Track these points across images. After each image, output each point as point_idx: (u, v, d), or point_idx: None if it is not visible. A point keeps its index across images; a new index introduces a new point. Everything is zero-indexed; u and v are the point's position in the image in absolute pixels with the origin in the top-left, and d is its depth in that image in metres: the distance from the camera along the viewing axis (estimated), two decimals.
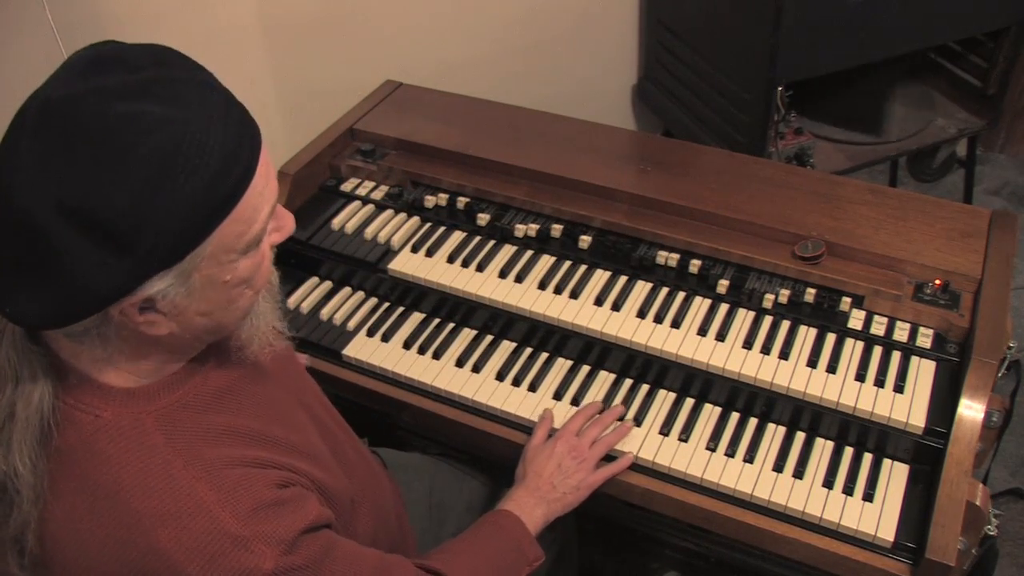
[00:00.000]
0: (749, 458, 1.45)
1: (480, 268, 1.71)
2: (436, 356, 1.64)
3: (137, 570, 0.92)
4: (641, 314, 1.61)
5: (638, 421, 1.52)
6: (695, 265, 1.66)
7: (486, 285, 1.68)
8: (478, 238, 1.78)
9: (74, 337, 0.93)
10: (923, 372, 1.49)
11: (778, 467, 1.44)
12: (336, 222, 1.83)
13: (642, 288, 1.66)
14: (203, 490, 0.95)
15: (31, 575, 0.98)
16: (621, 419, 1.52)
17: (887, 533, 1.34)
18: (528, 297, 1.65)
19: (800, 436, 1.49)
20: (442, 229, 1.80)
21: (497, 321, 1.67)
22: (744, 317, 1.59)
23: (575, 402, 1.55)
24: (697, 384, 1.55)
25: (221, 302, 0.96)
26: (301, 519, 1.01)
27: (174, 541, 0.92)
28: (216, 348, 1.07)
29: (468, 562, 1.28)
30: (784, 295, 1.59)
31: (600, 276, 1.68)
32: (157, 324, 0.92)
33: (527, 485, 1.43)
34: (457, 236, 1.79)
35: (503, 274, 1.69)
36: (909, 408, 1.43)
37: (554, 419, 1.52)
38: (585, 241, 1.73)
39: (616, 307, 1.62)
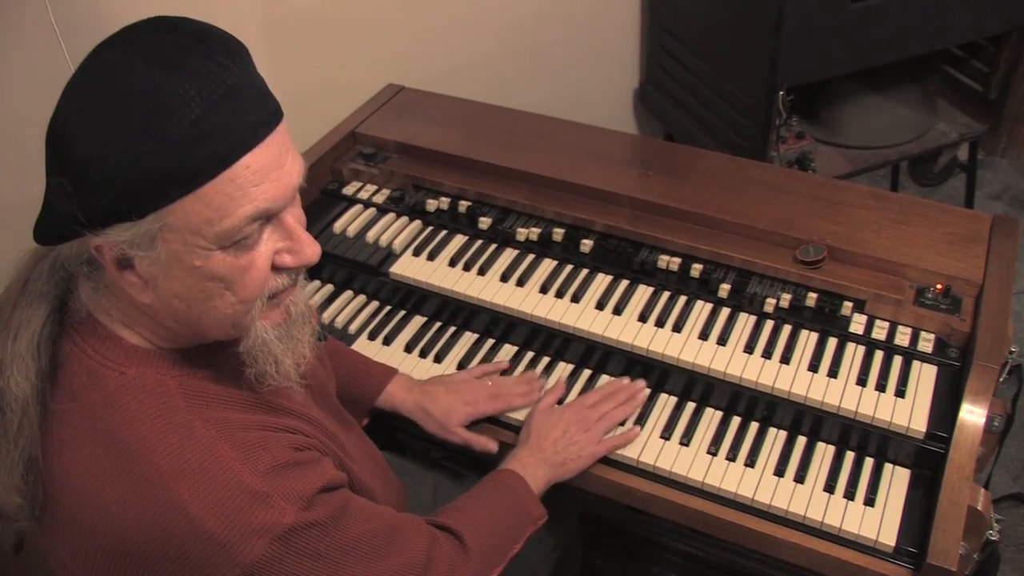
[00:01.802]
0: (750, 462, 1.45)
1: (482, 272, 1.71)
2: (438, 360, 1.64)
3: (157, 525, 0.93)
4: (643, 318, 1.61)
5: (639, 425, 1.51)
6: (696, 269, 1.66)
7: (488, 289, 1.68)
8: (480, 242, 1.78)
9: (88, 279, 0.98)
10: (924, 377, 1.49)
11: (779, 471, 1.44)
12: (338, 226, 1.83)
13: (643, 292, 1.66)
14: (223, 448, 0.97)
15: (36, 522, 1.00)
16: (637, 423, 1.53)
17: (888, 538, 1.34)
18: (529, 301, 1.65)
19: (801, 440, 1.49)
20: (444, 233, 1.80)
21: (499, 325, 1.67)
22: (745, 321, 1.59)
23: None
24: (698, 388, 1.55)
25: (196, 292, 0.95)
26: (318, 478, 1.03)
27: (194, 497, 0.93)
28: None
29: (476, 519, 1.29)
30: (785, 299, 1.59)
31: (601, 280, 1.68)
32: (137, 287, 0.95)
33: (531, 446, 1.45)
34: (459, 240, 1.79)
35: (504, 278, 1.69)
36: (910, 413, 1.43)
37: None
38: (587, 245, 1.73)
39: (617, 311, 1.62)
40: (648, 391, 1.55)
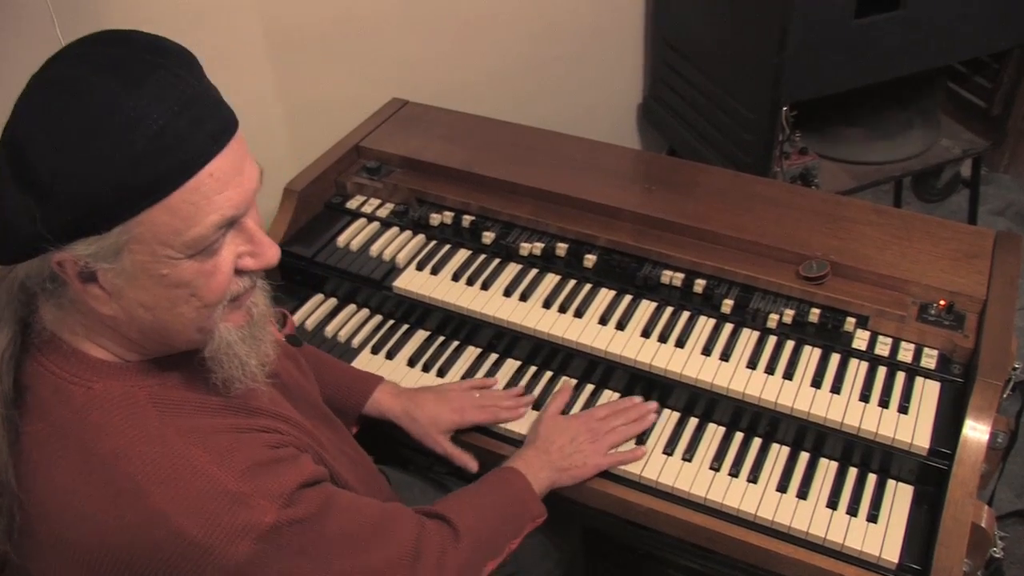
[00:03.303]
0: (753, 478, 1.45)
1: (485, 286, 1.71)
2: (440, 374, 1.65)
3: (139, 535, 0.93)
4: (645, 333, 1.61)
5: (642, 440, 1.51)
6: (700, 285, 1.66)
7: (491, 303, 1.68)
8: (483, 256, 1.78)
9: (49, 297, 0.97)
10: (927, 393, 1.49)
11: (782, 487, 1.44)
12: (341, 239, 1.83)
13: (647, 307, 1.66)
14: (197, 453, 0.96)
15: (14, 547, 0.99)
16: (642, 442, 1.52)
17: (891, 555, 1.34)
18: (533, 315, 1.65)
19: (804, 456, 1.49)
20: (447, 247, 1.81)
21: (502, 339, 1.67)
22: (748, 337, 1.59)
23: None
24: (701, 404, 1.55)
25: (161, 300, 0.95)
26: (297, 474, 1.03)
27: (173, 503, 0.93)
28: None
29: (470, 507, 1.29)
30: (788, 315, 1.59)
31: (605, 295, 1.69)
32: (100, 300, 0.94)
33: (537, 447, 1.45)
34: (462, 254, 1.79)
35: (508, 292, 1.69)
36: (913, 429, 1.43)
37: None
38: (590, 260, 1.73)
39: (620, 326, 1.62)
40: (657, 415, 1.55)
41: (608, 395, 1.60)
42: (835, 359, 1.55)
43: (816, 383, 1.51)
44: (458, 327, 1.71)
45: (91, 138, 0.85)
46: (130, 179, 0.87)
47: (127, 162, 0.86)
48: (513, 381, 1.63)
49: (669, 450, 1.50)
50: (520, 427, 1.55)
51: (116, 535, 0.94)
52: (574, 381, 1.62)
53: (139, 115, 0.86)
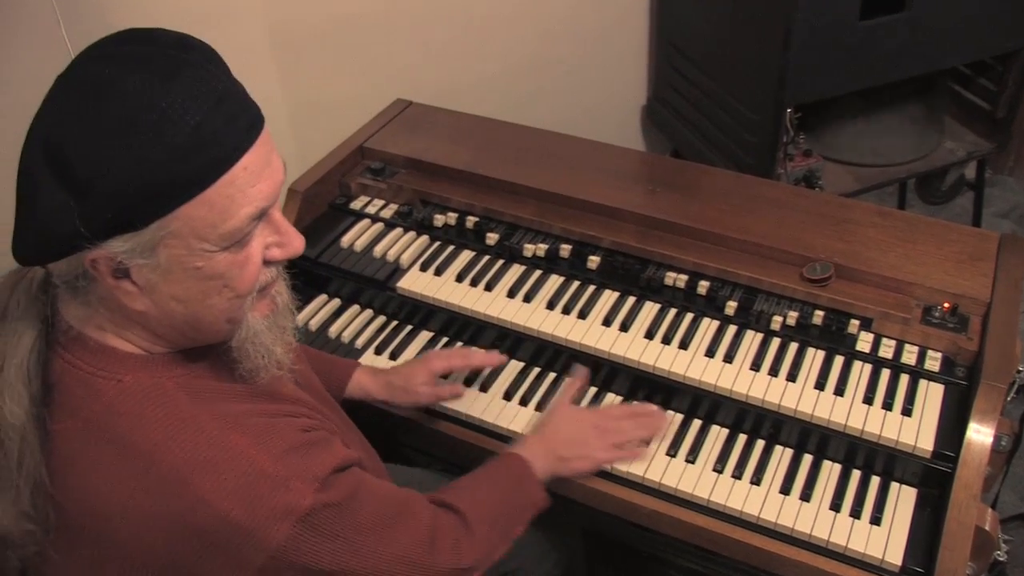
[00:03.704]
0: (756, 480, 1.45)
1: (489, 288, 1.71)
2: (444, 375, 1.64)
3: (184, 522, 0.94)
4: (649, 335, 1.61)
5: (645, 442, 1.51)
6: (703, 286, 1.66)
7: (494, 304, 1.68)
8: (487, 257, 1.78)
9: (75, 294, 0.98)
10: (931, 395, 1.49)
11: (785, 489, 1.44)
12: (345, 240, 1.83)
13: (650, 309, 1.66)
14: (234, 436, 0.98)
15: (52, 544, 0.99)
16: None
17: (895, 557, 1.33)
18: (536, 317, 1.65)
19: (807, 458, 1.49)
20: (451, 248, 1.81)
21: (505, 341, 1.68)
22: (752, 339, 1.59)
23: None
24: (705, 405, 1.55)
25: (195, 292, 0.97)
26: (332, 458, 1.04)
27: (215, 487, 0.94)
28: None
29: (478, 498, 1.29)
30: (792, 317, 1.59)
31: (608, 296, 1.69)
32: (132, 296, 0.95)
33: (542, 435, 1.45)
34: (466, 255, 1.79)
35: (511, 294, 1.70)
36: (917, 431, 1.43)
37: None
38: (594, 261, 1.73)
39: (624, 328, 1.62)
40: (670, 423, 1.55)
41: (612, 397, 1.60)
42: (839, 361, 1.55)
43: (820, 385, 1.51)
44: (462, 328, 1.71)
45: (130, 135, 0.86)
46: (169, 175, 0.88)
47: (166, 158, 0.87)
48: (516, 382, 1.63)
49: (672, 452, 1.50)
50: (513, 424, 1.55)
51: (161, 524, 0.95)
52: (586, 370, 1.61)
53: (176, 111, 0.88)
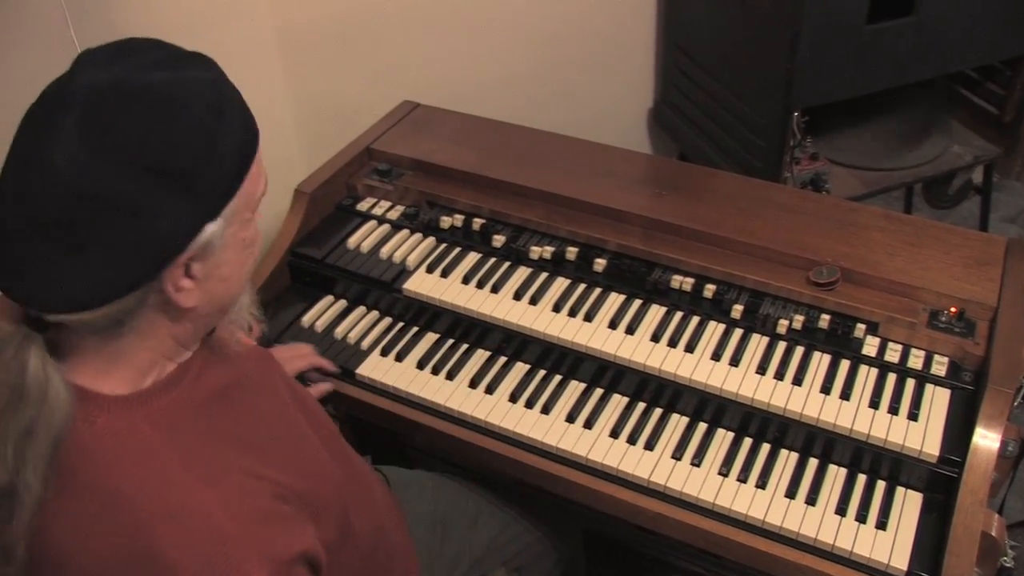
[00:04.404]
0: (762, 484, 1.45)
1: (495, 289, 1.71)
2: (449, 377, 1.65)
3: (137, 570, 0.92)
4: (655, 338, 1.61)
5: (650, 445, 1.51)
6: (709, 290, 1.66)
7: (500, 306, 1.68)
8: (493, 259, 1.78)
9: (93, 331, 0.95)
10: (938, 400, 1.48)
11: (790, 493, 1.43)
12: (352, 241, 1.84)
13: (656, 312, 1.66)
14: (203, 491, 0.96)
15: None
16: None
17: (900, 562, 1.33)
18: (542, 319, 1.65)
19: (813, 462, 1.49)
20: (457, 250, 1.81)
21: (511, 343, 1.68)
22: (758, 342, 1.59)
23: (588, 425, 1.55)
24: (710, 409, 1.55)
25: (237, 265, 1.01)
26: (297, 543, 1.01)
27: (173, 542, 0.92)
28: (202, 353, 1.08)
29: None
30: (798, 321, 1.59)
31: (614, 299, 1.69)
32: (188, 293, 0.96)
33: None
34: (472, 257, 1.79)
35: (518, 296, 1.70)
36: (923, 436, 1.43)
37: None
38: (600, 264, 1.73)
39: (630, 330, 1.62)
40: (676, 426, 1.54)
41: (617, 400, 1.60)
42: (845, 365, 1.55)
43: (825, 389, 1.50)
44: (468, 330, 1.71)
45: (216, 119, 0.92)
46: (246, 147, 0.96)
47: (242, 131, 0.96)
48: (522, 384, 1.63)
49: (678, 455, 1.50)
50: (518, 426, 1.55)
51: (114, 568, 0.93)
52: (582, 386, 1.61)
53: (229, 90, 0.96)
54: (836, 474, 1.47)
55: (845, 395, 1.49)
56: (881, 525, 1.38)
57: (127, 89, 0.89)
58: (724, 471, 1.47)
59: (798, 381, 1.52)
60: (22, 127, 0.91)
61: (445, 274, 1.75)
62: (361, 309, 1.80)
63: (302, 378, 1.61)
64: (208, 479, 0.97)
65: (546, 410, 1.58)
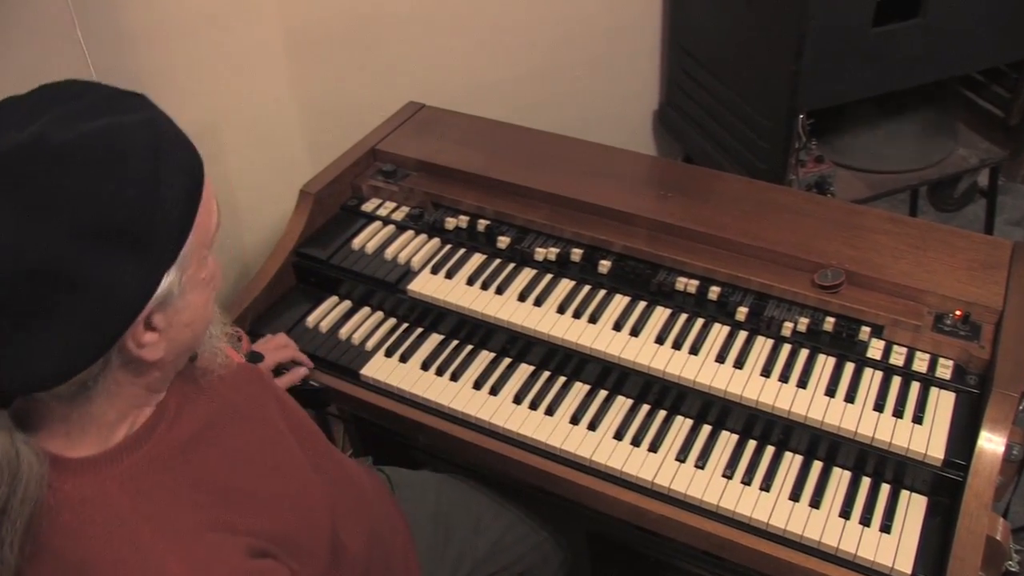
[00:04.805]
0: (766, 486, 1.45)
1: (499, 291, 1.71)
2: (454, 378, 1.65)
3: None
4: (659, 340, 1.60)
5: (655, 447, 1.51)
6: (714, 292, 1.66)
7: (505, 308, 1.68)
8: (498, 261, 1.78)
9: (59, 400, 0.91)
10: (942, 403, 1.48)
11: (794, 496, 1.43)
12: (357, 242, 1.84)
13: (661, 314, 1.66)
14: (172, 564, 0.92)
15: None
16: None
17: (904, 565, 1.33)
18: (547, 321, 1.65)
19: (817, 465, 1.48)
20: (462, 251, 1.81)
21: (515, 344, 1.68)
22: (763, 345, 1.59)
23: (592, 427, 1.55)
24: (714, 411, 1.55)
25: (199, 306, 0.97)
26: None
27: None
28: (181, 389, 1.05)
29: None
30: (803, 323, 1.59)
31: (619, 301, 1.69)
32: (153, 347, 0.93)
33: None
34: (477, 258, 1.79)
35: (522, 297, 1.70)
36: (928, 439, 1.42)
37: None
38: (604, 266, 1.73)
39: (635, 333, 1.62)
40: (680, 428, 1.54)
41: (621, 401, 1.60)
42: (849, 368, 1.54)
43: (830, 392, 1.50)
44: (472, 331, 1.71)
45: (159, 167, 0.86)
46: (191, 185, 0.90)
47: (186, 173, 0.90)
48: (526, 386, 1.63)
49: (682, 457, 1.50)
50: (522, 428, 1.55)
51: None
52: (586, 388, 1.60)
53: (171, 130, 0.91)
54: (840, 477, 1.47)
55: (850, 398, 1.49)
56: (885, 528, 1.38)
57: (51, 148, 0.82)
58: (728, 473, 1.47)
59: (803, 384, 1.52)
60: None
61: (450, 275, 1.75)
62: (366, 310, 1.80)
63: (279, 370, 1.61)
64: (177, 546, 0.93)
65: (550, 412, 1.58)
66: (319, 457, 1.24)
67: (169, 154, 0.88)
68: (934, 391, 1.50)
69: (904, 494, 1.44)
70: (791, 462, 1.49)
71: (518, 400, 1.60)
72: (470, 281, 1.74)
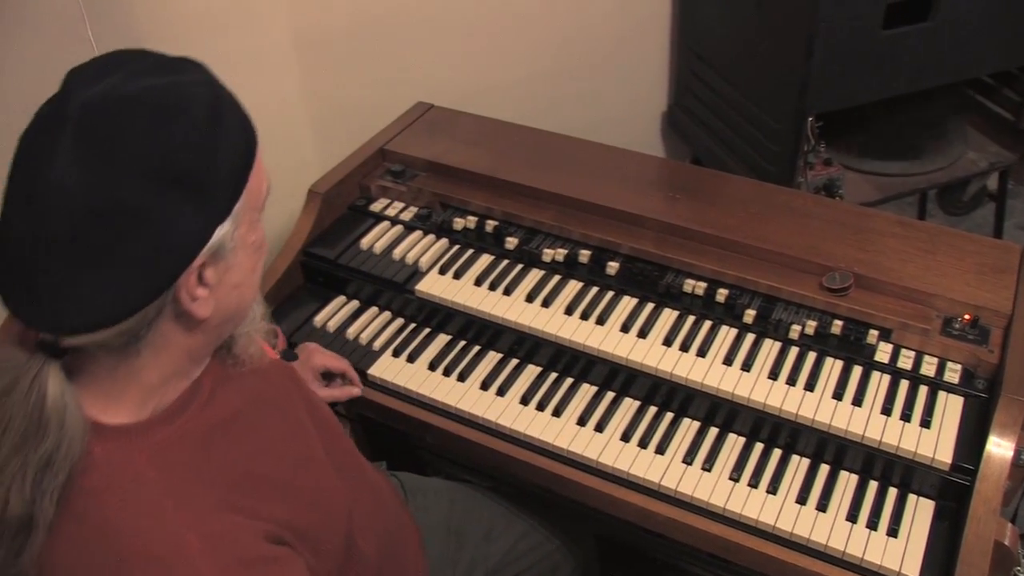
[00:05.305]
0: (772, 489, 1.44)
1: (507, 292, 1.72)
2: (461, 378, 1.65)
3: None
4: (667, 342, 1.60)
5: (661, 449, 1.51)
6: (722, 294, 1.66)
7: (513, 309, 1.68)
8: (506, 262, 1.78)
9: (109, 352, 0.94)
10: (950, 407, 1.48)
11: (801, 499, 1.43)
12: (365, 242, 1.84)
13: (669, 316, 1.66)
14: (190, 537, 0.93)
15: None
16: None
17: (912, 570, 1.33)
18: (554, 322, 1.65)
19: (824, 468, 1.48)
20: (470, 252, 1.81)
21: (523, 345, 1.68)
22: (770, 347, 1.59)
23: (599, 428, 1.55)
24: (722, 414, 1.55)
25: (247, 269, 1.00)
26: None
27: None
28: (216, 372, 1.07)
29: None
30: (811, 326, 1.59)
31: (627, 303, 1.68)
32: (203, 302, 0.95)
33: None
34: (485, 259, 1.79)
35: (530, 298, 1.70)
36: (936, 443, 1.42)
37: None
38: (613, 267, 1.73)
39: (642, 334, 1.62)
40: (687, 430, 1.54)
41: (629, 403, 1.60)
42: (857, 371, 1.54)
43: (838, 395, 1.50)
44: (480, 332, 1.71)
45: (218, 121, 0.91)
46: (246, 145, 0.95)
47: (242, 131, 0.95)
48: (533, 387, 1.63)
49: (689, 459, 1.50)
50: (529, 429, 1.55)
51: None
52: (593, 389, 1.61)
53: (226, 91, 0.96)
54: (847, 480, 1.46)
55: (857, 401, 1.49)
56: (892, 532, 1.38)
57: (121, 98, 0.88)
58: (735, 476, 1.47)
59: (810, 387, 1.52)
60: (19, 150, 0.89)
61: (458, 276, 1.76)
62: (373, 310, 1.80)
63: (330, 376, 1.63)
64: (197, 522, 0.95)
65: (557, 413, 1.58)
66: (342, 459, 1.25)
67: (227, 112, 0.93)
68: (942, 395, 1.50)
69: (911, 498, 1.43)
70: (798, 465, 1.49)
71: (525, 401, 1.60)
72: (478, 282, 1.74)
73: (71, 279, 0.86)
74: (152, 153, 0.87)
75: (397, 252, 1.81)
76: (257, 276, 1.04)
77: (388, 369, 1.67)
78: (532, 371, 1.66)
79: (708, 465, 1.48)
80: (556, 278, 1.74)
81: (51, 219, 0.85)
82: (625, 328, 1.63)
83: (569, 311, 1.67)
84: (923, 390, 1.50)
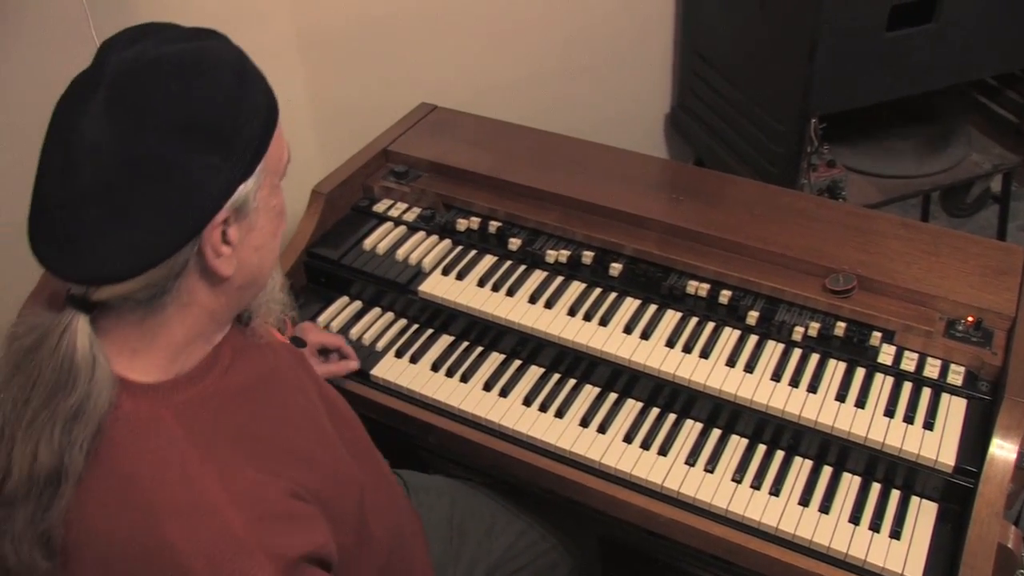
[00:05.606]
0: (775, 491, 1.44)
1: (510, 293, 1.72)
2: (464, 379, 1.65)
3: (144, 559, 0.93)
4: (670, 343, 1.60)
5: (664, 451, 1.51)
6: (725, 296, 1.66)
7: (516, 310, 1.68)
8: (509, 262, 1.78)
9: (136, 304, 0.96)
10: (954, 410, 1.48)
11: (804, 501, 1.43)
12: (368, 242, 1.84)
13: (671, 317, 1.66)
14: (216, 489, 0.96)
15: (54, 564, 0.98)
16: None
17: (914, 572, 1.33)
18: (557, 323, 1.65)
19: (827, 470, 1.48)
20: (473, 252, 1.81)
21: (526, 346, 1.68)
22: (773, 349, 1.59)
23: (602, 430, 1.55)
24: (724, 415, 1.55)
25: (268, 234, 1.03)
26: (308, 542, 1.01)
27: (182, 536, 0.92)
28: (234, 342, 1.09)
29: None
30: (814, 328, 1.59)
31: (630, 304, 1.68)
32: (225, 260, 0.97)
33: None
34: (488, 260, 1.79)
35: (533, 299, 1.70)
36: (939, 446, 1.42)
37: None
38: (616, 269, 1.73)
39: (645, 336, 1.62)
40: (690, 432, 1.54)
41: (631, 404, 1.60)
42: (860, 373, 1.54)
43: (840, 397, 1.50)
44: (482, 333, 1.71)
45: (244, 82, 0.96)
46: (268, 108, 0.99)
47: (265, 93, 0.99)
48: (536, 388, 1.63)
49: (691, 461, 1.49)
50: (532, 430, 1.55)
51: (125, 553, 0.93)
52: (596, 391, 1.61)
53: (247, 57, 0.99)
54: (850, 482, 1.46)
55: (860, 403, 1.49)
56: (895, 534, 1.38)
57: (152, 60, 0.92)
58: (738, 477, 1.47)
59: (813, 388, 1.52)
60: (55, 113, 0.93)
61: (461, 276, 1.76)
62: (376, 310, 1.80)
63: (326, 352, 1.65)
64: (223, 475, 0.97)
65: (560, 414, 1.58)
66: (354, 445, 1.26)
67: (251, 77, 0.98)
68: (945, 397, 1.50)
69: (914, 500, 1.43)
70: (801, 467, 1.49)
71: (528, 402, 1.60)
72: (481, 283, 1.74)
73: (102, 229, 0.89)
74: (180, 108, 0.91)
75: (400, 253, 1.81)
76: (277, 243, 1.06)
77: (391, 370, 1.67)
78: (535, 372, 1.66)
79: (711, 467, 1.48)
80: (559, 279, 1.74)
81: (83, 172, 0.89)
82: (628, 329, 1.63)
83: (572, 312, 1.67)
84: (926, 392, 1.50)
